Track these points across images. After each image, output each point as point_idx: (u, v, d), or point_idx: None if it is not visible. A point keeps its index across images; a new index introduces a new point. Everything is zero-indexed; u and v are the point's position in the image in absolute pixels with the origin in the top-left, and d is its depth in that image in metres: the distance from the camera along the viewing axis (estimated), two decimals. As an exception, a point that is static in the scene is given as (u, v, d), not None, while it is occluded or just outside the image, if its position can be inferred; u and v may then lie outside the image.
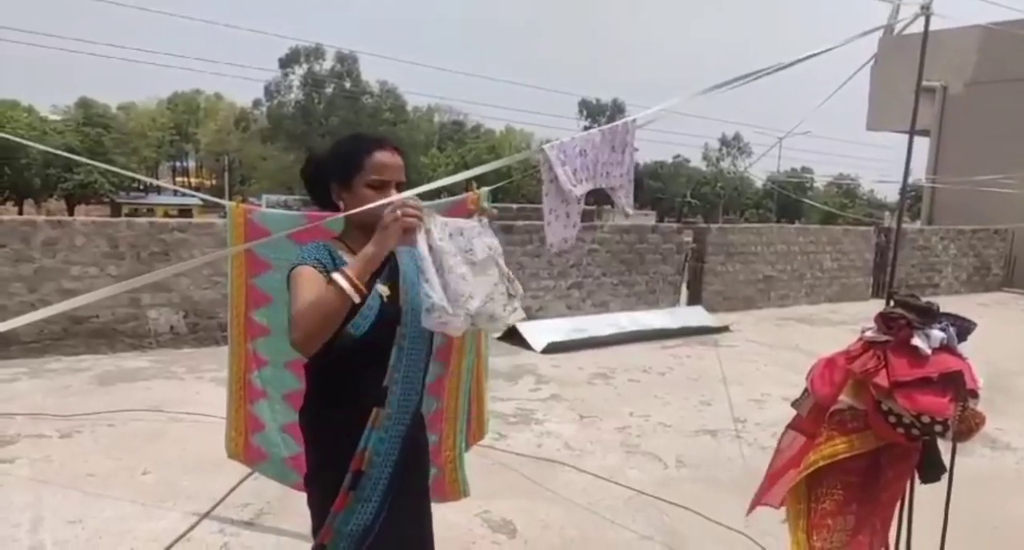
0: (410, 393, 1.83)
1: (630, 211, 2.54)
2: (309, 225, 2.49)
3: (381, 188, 1.80)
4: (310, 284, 1.66)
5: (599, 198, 2.40)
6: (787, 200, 55.27)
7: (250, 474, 3.80)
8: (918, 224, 18.01)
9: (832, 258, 12.20)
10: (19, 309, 6.39)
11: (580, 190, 2.26)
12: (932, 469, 2.32)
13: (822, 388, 2.26)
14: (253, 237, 2.72)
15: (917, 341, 2.09)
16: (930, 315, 2.14)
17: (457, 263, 1.70)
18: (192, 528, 3.27)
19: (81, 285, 6.59)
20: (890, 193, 65.32)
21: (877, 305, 2.31)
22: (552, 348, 7.49)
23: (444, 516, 3.32)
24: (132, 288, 6.69)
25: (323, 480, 1.83)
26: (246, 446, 3.07)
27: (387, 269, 1.82)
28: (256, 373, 2.95)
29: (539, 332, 7.79)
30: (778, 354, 7.73)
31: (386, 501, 1.79)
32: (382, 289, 1.80)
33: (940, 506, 2.37)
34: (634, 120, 2.47)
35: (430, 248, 1.67)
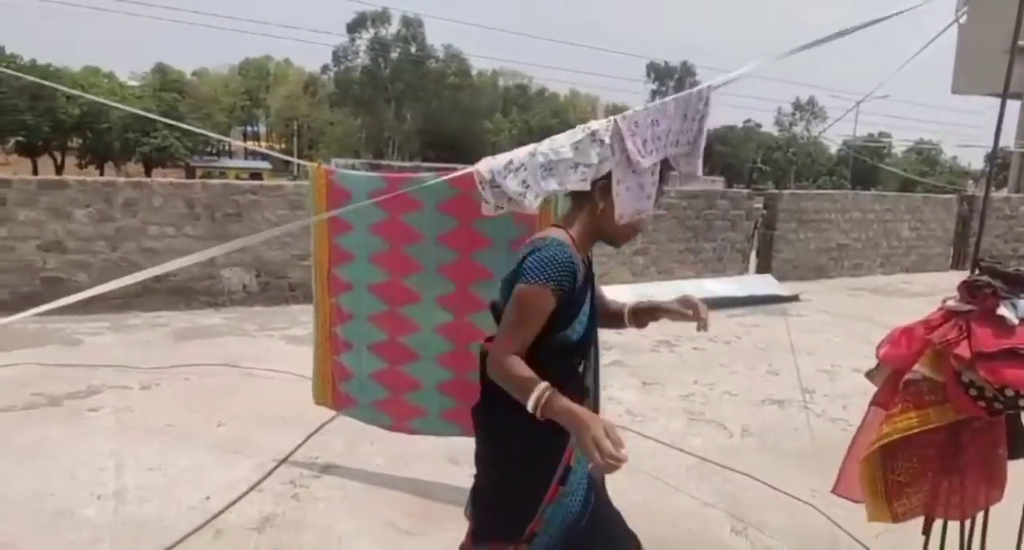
0: (599, 385, 1.95)
1: (698, 175, 2.46)
2: (390, 188, 2.60)
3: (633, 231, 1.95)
4: (536, 314, 1.68)
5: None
6: (863, 167, 53.27)
7: (318, 430, 3.95)
8: (1004, 192, 17.10)
9: (910, 227, 11.71)
10: (102, 266, 6.69)
11: (648, 161, 2.21)
12: (1016, 446, 2.22)
13: (895, 351, 2.18)
14: (334, 196, 2.88)
15: (1003, 311, 1.98)
16: (1019, 283, 2.03)
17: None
18: (264, 478, 3.40)
19: (160, 244, 6.86)
20: (974, 160, 62.29)
21: (958, 277, 2.20)
22: (615, 314, 7.43)
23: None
24: (221, 252, 6.92)
25: (520, 481, 1.82)
26: (334, 393, 3.32)
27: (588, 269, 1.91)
28: (340, 326, 3.13)
29: (602, 298, 7.75)
30: (850, 325, 7.50)
31: (590, 494, 1.83)
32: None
33: (1022, 485, 2.27)
34: (709, 86, 2.37)
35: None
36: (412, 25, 55.89)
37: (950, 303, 2.17)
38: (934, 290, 8.55)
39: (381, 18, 55.49)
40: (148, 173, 47.13)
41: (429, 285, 2.85)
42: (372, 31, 55.80)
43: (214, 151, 58.83)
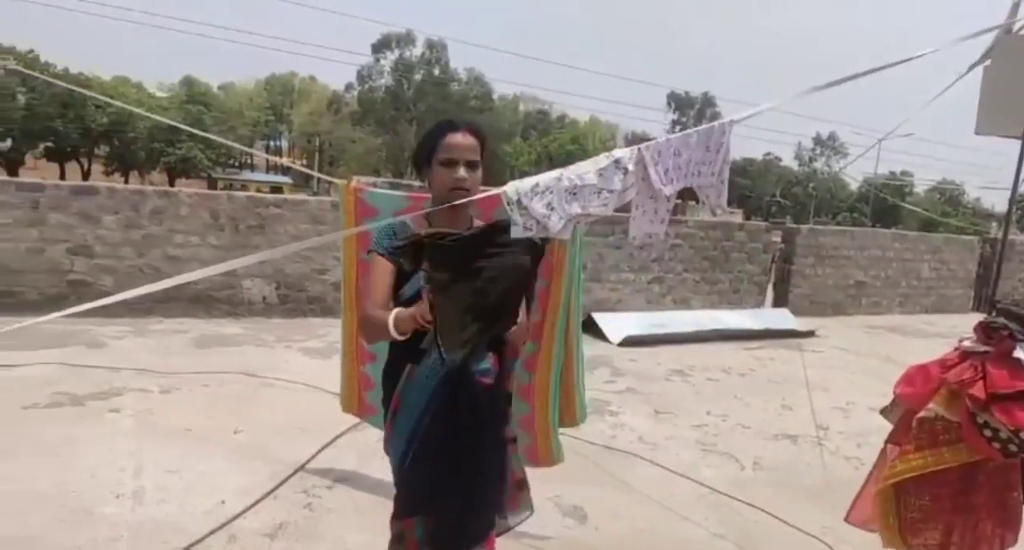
0: (448, 357, 1.96)
1: (719, 211, 2.56)
2: (414, 206, 2.69)
3: (450, 166, 2.01)
4: (377, 277, 2.00)
5: (685, 193, 2.43)
6: (883, 205, 53.04)
7: (332, 442, 4.00)
8: (1026, 236, 16.98)
9: (931, 267, 11.67)
10: (128, 271, 6.82)
11: (670, 190, 2.29)
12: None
13: (910, 390, 2.21)
14: (362, 213, 2.98)
15: (1020, 353, 2.01)
16: (1037, 326, 2.05)
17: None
18: (279, 486, 3.44)
19: (184, 252, 6.97)
20: (998, 202, 61.80)
21: (977, 319, 2.23)
22: (629, 341, 7.46)
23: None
24: (247, 263, 7.02)
25: (384, 406, 2.21)
26: (360, 402, 3.44)
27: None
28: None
29: (617, 325, 7.77)
30: (866, 362, 7.48)
31: (415, 438, 2.06)
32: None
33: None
34: (731, 121, 2.45)
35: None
36: (436, 48, 56.55)
37: (966, 343, 2.19)
38: (954, 331, 8.51)
39: (406, 40, 56.23)
40: (171, 183, 47.70)
41: None
42: (396, 52, 56.53)
43: (236, 164, 59.56)
